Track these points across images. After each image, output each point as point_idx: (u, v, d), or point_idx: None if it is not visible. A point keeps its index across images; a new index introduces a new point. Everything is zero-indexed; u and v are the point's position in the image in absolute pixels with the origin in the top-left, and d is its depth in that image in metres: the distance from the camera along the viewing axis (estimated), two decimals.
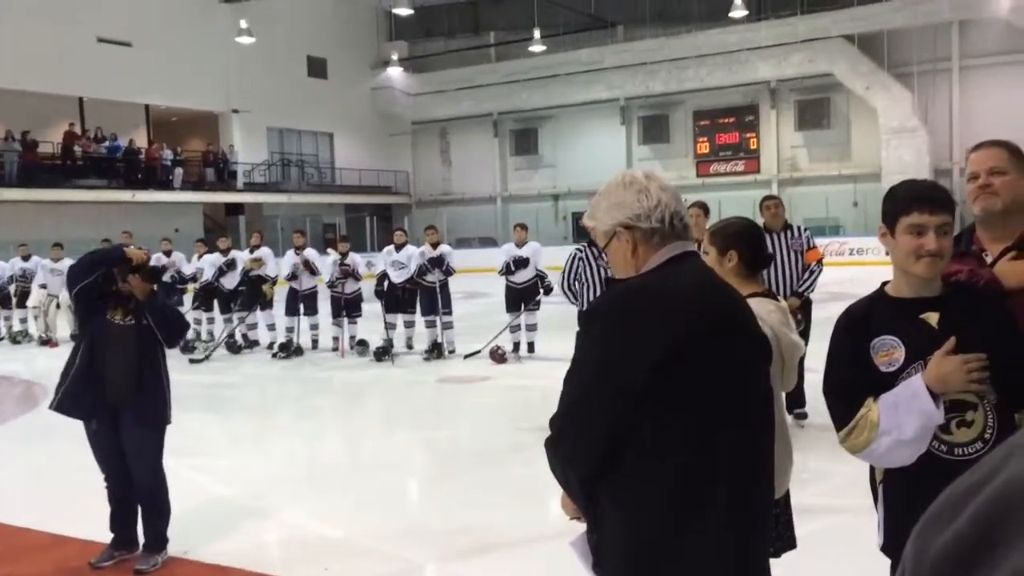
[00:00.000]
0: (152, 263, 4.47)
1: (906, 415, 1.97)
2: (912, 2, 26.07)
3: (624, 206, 1.83)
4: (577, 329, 1.92)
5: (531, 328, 10.73)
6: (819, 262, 6.56)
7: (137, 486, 4.29)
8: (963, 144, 25.92)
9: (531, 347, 10.71)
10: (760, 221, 6.76)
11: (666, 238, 1.82)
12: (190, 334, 12.41)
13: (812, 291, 6.53)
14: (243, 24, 26.53)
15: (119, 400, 4.20)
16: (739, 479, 1.74)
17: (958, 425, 2.00)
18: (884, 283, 2.20)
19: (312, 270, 11.45)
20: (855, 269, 21.34)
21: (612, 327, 1.71)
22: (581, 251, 6.70)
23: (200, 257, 12.93)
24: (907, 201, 2.03)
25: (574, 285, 6.68)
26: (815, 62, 27.76)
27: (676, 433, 1.67)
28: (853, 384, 2.07)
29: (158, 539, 4.33)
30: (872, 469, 2.16)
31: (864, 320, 2.12)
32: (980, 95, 26.50)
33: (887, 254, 2.15)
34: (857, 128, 28.48)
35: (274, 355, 11.37)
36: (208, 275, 12.61)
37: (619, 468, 1.68)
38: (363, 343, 11.37)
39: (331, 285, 11.36)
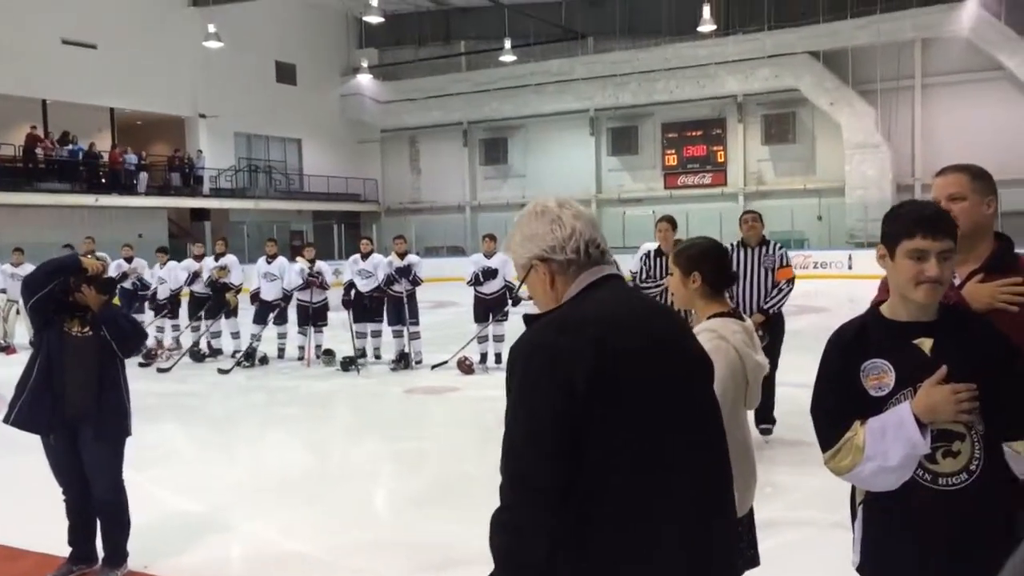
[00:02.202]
0: (110, 273, 4.41)
1: (892, 442, 1.96)
2: (876, 20, 26.53)
3: (538, 238, 1.80)
4: None
5: (499, 339, 10.73)
6: (789, 281, 6.55)
7: (96, 499, 4.22)
8: (925, 160, 26.43)
9: (499, 358, 10.70)
10: (727, 233, 6.83)
11: (583, 267, 1.79)
12: (153, 342, 12.29)
13: (779, 309, 6.55)
14: (211, 28, 26.28)
15: (78, 415, 4.14)
16: (690, 502, 1.71)
17: (944, 455, 1.97)
18: (878, 303, 2.17)
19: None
20: (819, 282, 21.63)
21: (533, 367, 1.67)
22: None
23: (163, 266, 12.75)
24: (910, 225, 1.99)
25: None
26: (781, 77, 28.14)
27: (616, 462, 1.64)
28: (841, 406, 2.05)
29: (117, 553, 4.26)
30: (853, 487, 2.15)
31: (856, 341, 2.09)
32: (941, 112, 27.02)
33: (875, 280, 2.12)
34: (822, 143, 28.89)
35: (238, 363, 11.25)
36: (181, 279, 12.48)
37: (566, 505, 1.64)
38: (329, 352, 11.30)
39: (298, 291, 11.30)
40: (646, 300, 1.93)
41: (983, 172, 2.42)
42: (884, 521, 2.07)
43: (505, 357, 10.75)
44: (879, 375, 2.03)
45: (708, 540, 1.75)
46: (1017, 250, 2.44)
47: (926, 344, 2.02)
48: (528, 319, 1.79)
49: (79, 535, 4.29)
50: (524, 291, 1.88)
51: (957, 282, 2.34)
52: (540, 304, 1.85)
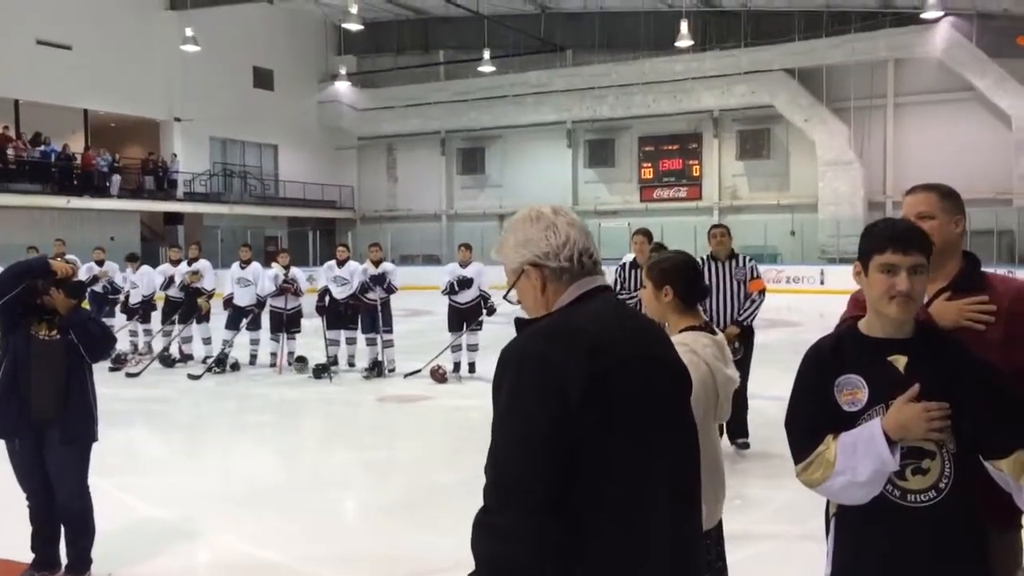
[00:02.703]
0: (80, 277, 4.37)
1: (862, 458, 1.97)
2: (851, 39, 26.91)
3: (531, 243, 1.80)
4: None
5: (473, 348, 10.72)
6: (761, 292, 6.66)
7: (61, 505, 4.16)
8: (896, 177, 26.80)
9: (472, 367, 10.69)
10: (702, 247, 6.89)
11: (575, 276, 1.79)
12: (126, 346, 12.16)
13: (752, 320, 6.63)
14: (188, 32, 26.12)
15: (44, 419, 4.08)
16: (671, 511, 1.74)
17: (913, 472, 1.99)
18: (856, 319, 2.19)
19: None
20: (791, 297, 21.83)
21: (525, 372, 1.66)
22: None
23: (136, 271, 12.61)
24: (881, 240, 2.02)
25: None
26: (757, 94, 28.45)
27: (604, 471, 1.65)
28: (815, 420, 2.07)
29: (81, 560, 4.20)
30: (828, 500, 2.17)
31: (832, 356, 2.11)
32: (913, 131, 27.43)
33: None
34: (795, 159, 29.21)
35: (209, 369, 11.15)
36: (156, 283, 12.36)
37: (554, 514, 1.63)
38: (302, 359, 11.23)
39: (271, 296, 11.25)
40: (636, 313, 1.93)
41: (952, 191, 2.46)
42: (854, 535, 2.08)
43: (479, 367, 10.77)
44: (853, 391, 2.05)
45: (687, 549, 1.79)
46: (984, 269, 2.47)
47: (900, 361, 2.04)
48: (519, 324, 1.79)
49: (43, 541, 4.22)
50: (513, 296, 1.87)
51: (925, 300, 2.37)
52: (529, 310, 1.85)
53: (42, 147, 25.84)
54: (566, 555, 1.64)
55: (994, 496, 2.02)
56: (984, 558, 2.03)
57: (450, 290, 10.57)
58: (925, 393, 1.96)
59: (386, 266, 10.96)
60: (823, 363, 2.11)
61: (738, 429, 6.54)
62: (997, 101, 25.31)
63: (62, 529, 4.23)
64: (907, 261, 1.99)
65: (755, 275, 6.68)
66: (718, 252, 6.69)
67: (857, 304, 2.39)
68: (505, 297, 1.88)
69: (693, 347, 2.66)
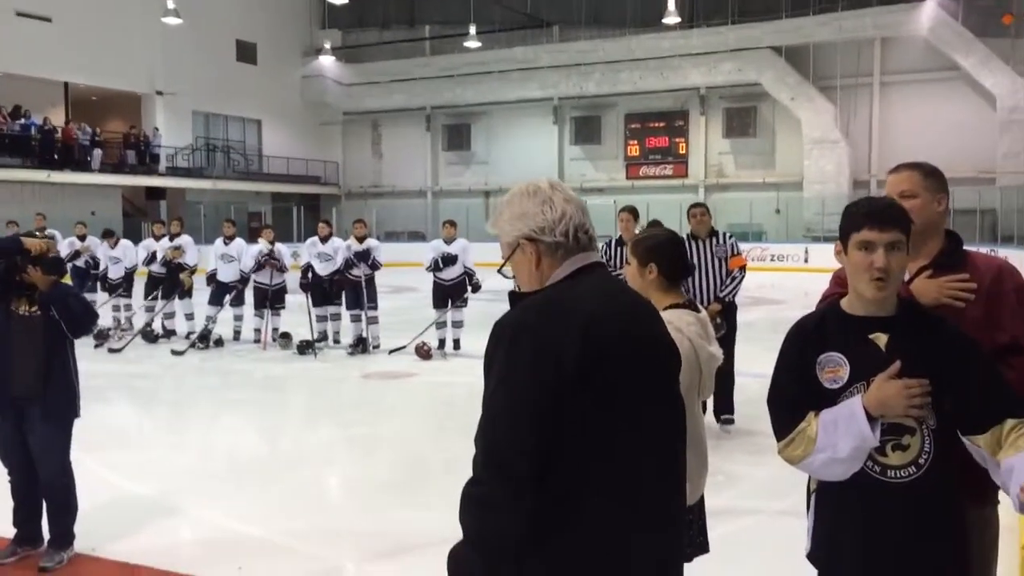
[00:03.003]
0: (62, 251, 4.33)
1: (843, 435, 1.99)
2: (838, 17, 26.89)
3: (528, 217, 1.80)
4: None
5: (457, 325, 10.71)
6: (742, 269, 6.71)
7: (43, 481, 4.15)
8: (881, 156, 26.89)
9: (457, 344, 10.69)
10: (687, 224, 6.90)
11: (570, 252, 1.80)
12: (109, 322, 12.09)
13: (734, 297, 6.67)
14: (170, 4, 25.75)
15: (25, 395, 4.06)
16: (658, 487, 1.76)
17: (893, 448, 2.01)
18: (839, 296, 2.21)
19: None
20: (776, 275, 21.92)
21: (520, 344, 1.67)
22: None
23: (114, 246, 12.48)
24: (858, 218, 2.04)
25: None
26: (744, 71, 28.40)
27: (594, 445, 1.67)
28: (797, 397, 2.09)
29: (64, 535, 4.19)
30: (809, 476, 2.19)
31: (815, 334, 2.13)
32: (899, 110, 27.50)
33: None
34: (782, 138, 29.24)
35: (192, 345, 11.10)
36: (138, 258, 12.26)
37: (541, 487, 1.65)
38: (286, 335, 11.20)
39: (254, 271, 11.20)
40: (629, 290, 1.95)
41: (935, 170, 2.46)
42: (834, 511, 2.11)
43: (464, 343, 10.77)
44: (834, 368, 2.07)
45: (673, 523, 1.82)
46: (967, 247, 2.48)
47: (881, 339, 2.05)
48: (513, 297, 1.80)
49: (24, 517, 4.22)
50: (508, 270, 1.87)
51: (907, 278, 2.38)
52: (523, 284, 1.85)
53: (22, 120, 25.52)
54: (553, 527, 1.65)
55: (972, 473, 2.04)
56: (963, 534, 2.06)
57: (434, 267, 10.55)
58: (906, 370, 1.98)
59: (370, 242, 10.92)
60: (805, 341, 2.13)
61: (723, 406, 6.59)
62: (982, 80, 25.39)
63: (44, 505, 4.21)
64: (884, 238, 2.00)
65: (736, 252, 6.73)
66: (698, 231, 6.72)
67: (839, 282, 2.39)
68: (500, 271, 1.88)
69: (677, 324, 2.66)
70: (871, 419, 1.98)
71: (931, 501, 2.01)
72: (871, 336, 2.05)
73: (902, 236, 2.02)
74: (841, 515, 2.09)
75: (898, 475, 2.01)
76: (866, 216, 2.03)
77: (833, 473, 2.05)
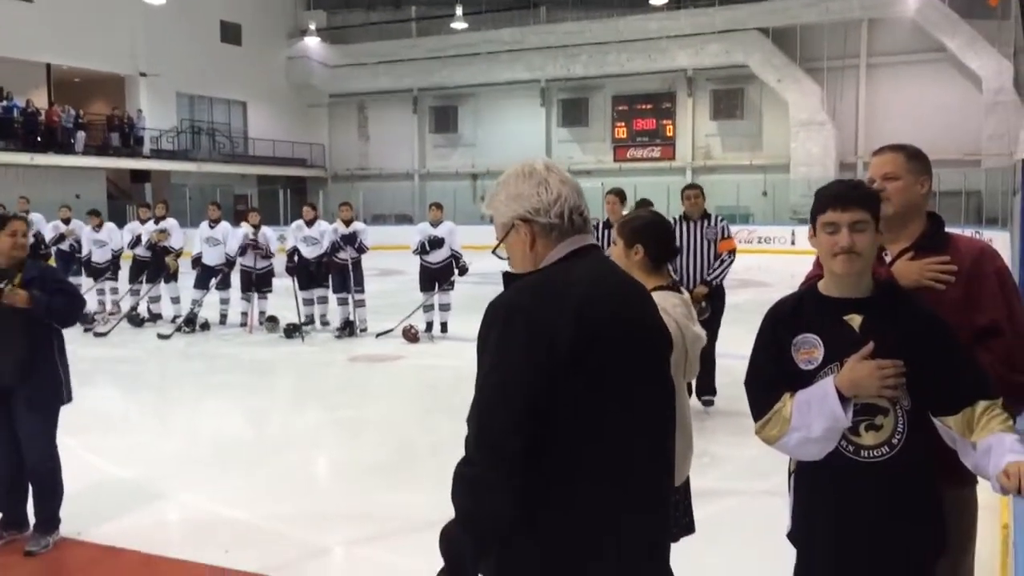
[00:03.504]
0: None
1: (816, 415, 2.02)
2: None
3: (523, 198, 1.80)
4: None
5: (444, 308, 10.71)
6: (731, 252, 6.70)
7: (29, 466, 4.14)
8: (868, 138, 26.94)
9: (444, 327, 10.69)
10: (675, 206, 6.91)
11: (565, 233, 1.80)
12: (95, 306, 12.02)
13: (722, 280, 6.68)
14: None
15: (7, 384, 4.03)
16: (648, 469, 1.78)
17: (867, 428, 2.03)
18: (812, 277, 2.23)
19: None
20: (763, 257, 21.99)
21: (514, 325, 1.68)
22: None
23: (98, 228, 12.37)
24: (823, 200, 2.08)
25: None
26: (731, 53, 28.36)
27: (586, 426, 1.68)
28: (773, 378, 2.12)
29: (50, 520, 4.19)
30: (790, 458, 2.22)
31: (791, 315, 2.15)
32: (885, 92, 27.54)
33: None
34: (769, 120, 29.25)
35: (179, 329, 11.06)
36: (123, 241, 12.17)
37: (531, 466, 1.66)
38: (273, 319, 11.16)
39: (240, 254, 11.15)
40: (622, 273, 1.95)
41: (918, 152, 2.47)
42: (811, 491, 2.14)
43: (451, 326, 10.77)
44: (809, 349, 2.09)
45: (663, 504, 1.84)
46: (950, 230, 2.49)
47: (856, 321, 2.07)
48: (507, 278, 1.80)
49: (10, 501, 4.21)
50: (502, 251, 1.87)
51: (888, 259, 2.39)
52: (517, 265, 1.85)
53: (4, 102, 25.23)
54: (544, 507, 1.67)
55: (950, 453, 2.06)
56: (939, 514, 2.08)
57: (421, 250, 10.52)
58: (880, 351, 2.00)
59: (357, 226, 10.87)
60: (782, 322, 2.16)
61: (705, 387, 6.63)
62: (968, 62, 25.44)
63: (30, 489, 4.20)
64: (845, 218, 2.04)
65: (726, 235, 6.72)
66: (691, 212, 6.72)
67: (821, 264, 2.40)
68: (494, 251, 1.88)
69: (663, 306, 2.66)
70: (844, 399, 2.00)
71: (905, 481, 2.03)
72: (845, 317, 2.07)
73: (866, 215, 2.04)
74: (816, 495, 2.12)
75: (871, 455, 2.03)
76: (830, 198, 2.07)
77: (808, 453, 2.08)
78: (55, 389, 4.13)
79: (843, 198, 2.05)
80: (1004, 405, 2.03)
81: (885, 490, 2.03)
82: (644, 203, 9.42)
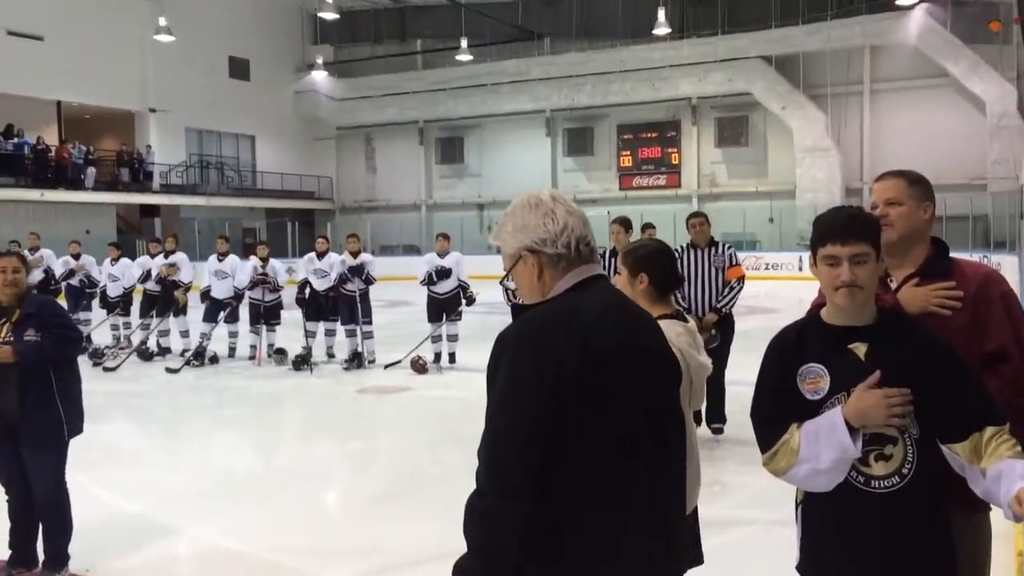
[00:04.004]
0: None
1: (824, 446, 2.00)
2: (826, 27, 27.02)
3: (529, 229, 1.81)
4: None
5: (452, 338, 10.71)
6: (740, 279, 6.68)
7: (37, 502, 4.12)
8: (873, 163, 26.98)
9: (452, 357, 10.69)
10: (681, 234, 6.92)
11: (572, 264, 1.81)
12: (108, 340, 12.07)
13: (731, 307, 6.66)
14: (162, 22, 25.79)
15: (8, 422, 4.01)
16: (656, 500, 1.77)
17: (876, 458, 2.01)
18: (818, 305, 2.22)
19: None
20: (770, 283, 21.96)
21: (522, 357, 1.69)
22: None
23: (115, 262, 12.45)
24: (823, 232, 2.06)
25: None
26: (734, 81, 28.51)
27: (594, 457, 1.68)
28: (779, 408, 2.09)
29: (59, 556, 4.17)
30: (797, 488, 2.20)
31: (795, 345, 2.13)
32: (889, 117, 27.61)
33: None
34: (773, 146, 29.33)
35: (188, 363, 11.08)
36: (135, 276, 12.22)
37: (541, 495, 1.67)
38: (281, 351, 11.18)
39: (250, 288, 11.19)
40: (629, 303, 1.96)
41: (921, 178, 2.48)
42: (820, 522, 2.11)
43: (459, 357, 10.76)
44: (815, 379, 2.07)
45: (669, 534, 1.83)
46: (955, 254, 2.50)
47: (861, 349, 2.05)
48: (516, 310, 1.84)
49: (20, 537, 4.19)
50: (510, 282, 1.89)
51: (894, 286, 2.39)
52: (525, 296, 1.87)
53: (15, 139, 25.50)
54: (551, 534, 1.67)
55: (961, 479, 2.04)
56: (949, 543, 2.06)
57: (428, 280, 10.55)
58: (886, 380, 1.98)
59: (364, 257, 10.93)
60: (786, 352, 2.14)
61: (715, 415, 6.59)
62: (971, 87, 25.51)
63: (40, 525, 4.19)
64: (846, 251, 2.02)
65: (734, 262, 6.71)
66: (697, 240, 6.72)
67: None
68: (502, 282, 1.90)
69: (667, 335, 2.66)
70: (852, 430, 1.98)
71: (916, 510, 2.00)
72: (851, 346, 2.06)
73: (866, 247, 2.02)
74: (824, 526, 2.09)
75: (882, 485, 2.01)
76: (829, 231, 2.05)
77: (817, 484, 2.05)
78: (55, 427, 4.06)
79: (842, 231, 2.02)
80: (1012, 431, 2.01)
81: (895, 521, 2.00)
82: (648, 227, 9.43)
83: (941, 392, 2.00)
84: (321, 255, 11.11)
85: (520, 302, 1.86)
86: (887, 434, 2.01)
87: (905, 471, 2.00)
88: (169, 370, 10.81)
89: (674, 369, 1.94)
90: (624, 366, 1.73)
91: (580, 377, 1.65)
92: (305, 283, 11.15)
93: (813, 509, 2.12)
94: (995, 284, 2.35)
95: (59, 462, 4.15)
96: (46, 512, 4.14)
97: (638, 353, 1.79)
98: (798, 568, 2.18)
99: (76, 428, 4.19)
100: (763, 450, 2.12)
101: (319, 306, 11.15)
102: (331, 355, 11.32)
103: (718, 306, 6.54)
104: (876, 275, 2.07)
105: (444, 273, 10.49)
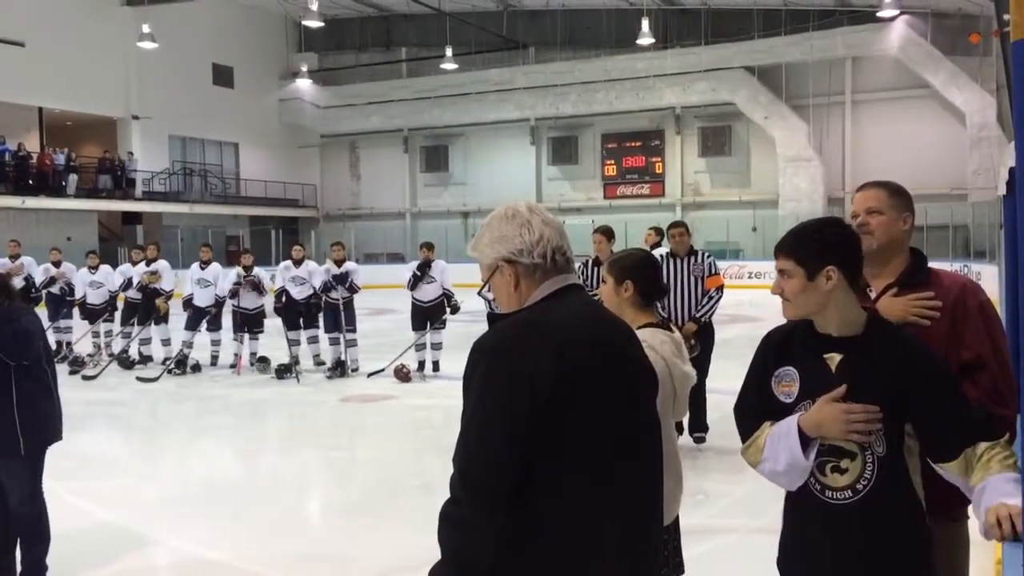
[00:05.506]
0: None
1: (781, 449, 2.03)
2: (808, 38, 27.25)
3: (506, 240, 1.83)
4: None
5: (436, 347, 10.69)
6: (719, 288, 6.71)
7: (12, 511, 4.07)
8: (855, 173, 27.17)
9: (436, 366, 10.67)
10: (666, 243, 6.93)
11: (548, 273, 1.83)
12: (90, 348, 11.96)
13: (710, 317, 6.68)
14: (146, 28, 25.64)
15: None
16: (632, 510, 1.78)
17: (832, 470, 2.01)
18: None
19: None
20: (753, 292, 22.03)
21: (496, 366, 1.70)
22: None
23: (94, 270, 12.34)
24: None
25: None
26: (718, 91, 28.69)
27: (569, 467, 1.69)
28: (757, 405, 2.14)
29: (35, 567, 4.12)
30: None
31: (779, 347, 2.16)
32: (870, 127, 27.85)
33: None
34: (756, 156, 29.51)
35: (168, 371, 11.00)
36: (117, 284, 12.13)
37: (516, 505, 1.67)
38: (264, 360, 11.12)
39: (231, 296, 11.13)
40: (605, 312, 1.99)
41: (901, 189, 2.50)
42: (790, 520, 2.16)
43: (443, 365, 10.73)
44: (788, 383, 2.10)
45: (645, 543, 1.83)
46: (934, 264, 2.52)
47: (834, 360, 2.06)
48: (492, 318, 1.85)
49: None
50: (488, 292, 1.90)
51: (873, 295, 2.41)
52: (502, 305, 1.89)
53: None
54: (527, 543, 1.67)
55: (939, 490, 2.05)
56: (909, 559, 2.02)
57: (414, 279, 10.50)
58: (864, 393, 1.97)
59: (348, 265, 10.90)
60: (769, 353, 2.18)
61: (697, 424, 6.60)
62: (951, 98, 25.77)
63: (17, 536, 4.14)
64: (777, 265, 2.14)
65: (713, 271, 6.74)
66: (678, 249, 6.75)
67: None
68: (480, 293, 1.91)
69: (651, 343, 2.68)
70: (809, 439, 1.99)
71: (868, 527, 1.99)
72: (825, 356, 2.07)
73: (788, 263, 2.10)
74: (794, 524, 2.14)
75: (835, 496, 2.01)
76: (776, 247, 2.16)
77: (779, 483, 2.11)
78: (10, 437, 3.92)
79: (779, 246, 2.14)
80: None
81: (846, 534, 2.00)
82: (659, 232, 9.40)
83: (930, 409, 1.99)
84: (298, 263, 11.07)
85: (497, 311, 1.87)
86: (845, 448, 2.00)
87: (859, 487, 1.99)
88: (142, 379, 10.64)
89: (650, 378, 1.94)
90: (598, 374, 1.73)
91: (554, 385, 1.65)
92: (283, 292, 11.07)
93: (788, 506, 2.17)
94: (972, 294, 2.37)
95: (31, 473, 4.07)
96: (20, 522, 4.08)
97: (613, 362, 1.80)
98: (777, 562, 2.21)
99: (38, 441, 4.06)
100: (742, 441, 2.19)
101: (298, 314, 11.09)
102: (319, 363, 11.26)
103: (697, 315, 6.56)
104: (809, 294, 2.07)
105: (426, 266, 10.39)
